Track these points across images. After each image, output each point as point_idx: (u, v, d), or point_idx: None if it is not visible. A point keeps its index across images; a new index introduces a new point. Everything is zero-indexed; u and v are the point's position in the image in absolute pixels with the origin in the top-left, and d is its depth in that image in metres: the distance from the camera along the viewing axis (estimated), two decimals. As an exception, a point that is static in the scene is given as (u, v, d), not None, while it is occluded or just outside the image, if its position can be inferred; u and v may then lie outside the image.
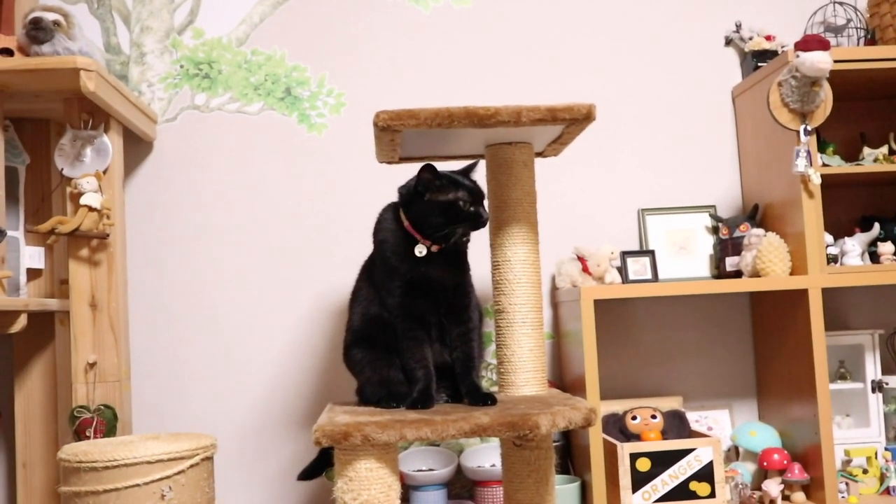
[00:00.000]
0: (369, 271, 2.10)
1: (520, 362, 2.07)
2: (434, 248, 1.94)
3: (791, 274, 2.57)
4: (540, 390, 2.07)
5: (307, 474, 2.16)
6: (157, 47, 2.85)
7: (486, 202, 1.99)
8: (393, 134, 1.93)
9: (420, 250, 1.93)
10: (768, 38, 2.86)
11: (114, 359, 2.43)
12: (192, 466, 1.93)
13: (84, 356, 2.41)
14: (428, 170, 1.92)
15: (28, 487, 2.58)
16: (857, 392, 2.71)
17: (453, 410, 1.81)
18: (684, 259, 2.85)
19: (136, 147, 2.78)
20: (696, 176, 2.93)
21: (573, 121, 1.94)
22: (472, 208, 1.93)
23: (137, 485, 1.86)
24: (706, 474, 2.43)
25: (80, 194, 2.37)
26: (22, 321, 2.24)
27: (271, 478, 2.75)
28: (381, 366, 1.99)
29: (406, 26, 2.90)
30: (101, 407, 2.36)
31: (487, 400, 1.89)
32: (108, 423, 2.34)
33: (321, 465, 2.12)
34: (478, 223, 1.95)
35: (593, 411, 1.80)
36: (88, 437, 2.31)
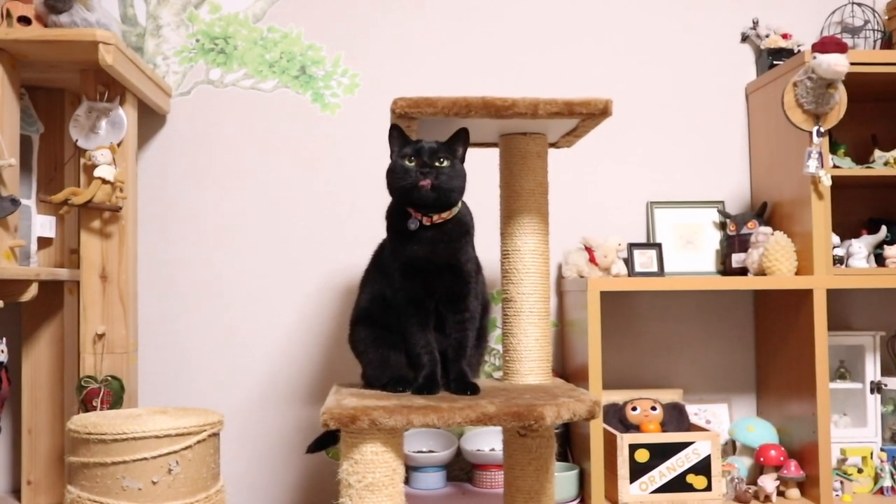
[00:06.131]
0: (380, 253, 2.11)
1: (525, 351, 2.09)
2: (426, 221, 1.89)
3: (797, 273, 2.58)
4: (544, 380, 2.10)
5: (315, 447, 2.16)
6: (174, 20, 2.85)
7: (437, 173, 1.83)
8: (409, 121, 1.94)
9: (412, 224, 1.88)
10: (785, 36, 2.86)
11: (122, 330, 2.45)
12: (199, 442, 1.95)
13: (93, 327, 2.43)
14: (393, 128, 1.91)
15: (33, 453, 2.60)
16: (856, 392, 2.74)
17: (459, 398, 1.83)
18: (691, 253, 2.86)
19: (150, 120, 2.78)
20: (705, 171, 2.94)
21: (589, 115, 1.94)
22: (411, 168, 1.84)
23: (145, 458, 1.88)
24: (703, 467, 2.46)
25: (94, 166, 2.38)
26: (33, 290, 2.26)
27: (273, 453, 2.78)
28: (383, 346, 1.98)
29: (423, 11, 2.90)
30: (109, 378, 2.38)
31: (468, 390, 1.88)
32: (115, 394, 2.37)
33: (329, 439, 2.12)
34: (408, 188, 1.84)
35: (597, 404, 1.82)
36: (95, 407, 2.33)
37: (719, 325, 2.92)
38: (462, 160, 1.92)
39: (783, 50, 2.82)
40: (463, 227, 1.95)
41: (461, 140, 1.90)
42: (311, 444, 2.15)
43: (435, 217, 1.89)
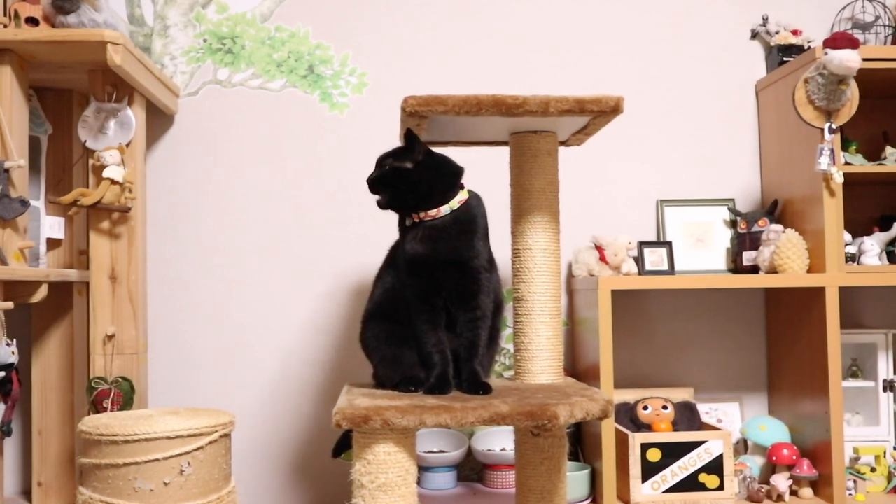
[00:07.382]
0: (395, 250, 2.09)
1: (537, 350, 2.08)
2: (415, 218, 1.91)
3: (808, 271, 2.57)
4: (556, 379, 2.08)
5: (339, 450, 2.13)
6: (181, 20, 2.84)
7: (372, 181, 1.95)
8: (420, 119, 1.93)
9: (407, 220, 1.93)
10: (795, 32, 2.85)
11: (132, 331, 2.44)
12: (210, 443, 1.95)
13: (103, 328, 2.42)
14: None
15: (43, 454, 2.60)
16: (868, 390, 2.72)
17: (472, 398, 1.82)
18: (701, 251, 2.85)
19: (158, 120, 2.78)
20: (715, 169, 2.93)
21: (600, 113, 1.93)
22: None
23: (157, 459, 1.88)
24: (715, 467, 2.45)
25: (103, 167, 2.38)
26: (42, 291, 2.25)
27: (285, 454, 2.78)
28: (395, 343, 1.97)
29: (431, 9, 2.89)
30: (119, 379, 2.38)
31: (480, 389, 1.87)
32: (125, 395, 2.37)
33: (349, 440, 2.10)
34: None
35: (610, 403, 1.81)
36: (105, 409, 2.33)
37: (730, 323, 2.91)
38: (418, 159, 1.91)
39: (793, 46, 2.81)
40: (466, 223, 1.93)
41: (408, 141, 1.92)
42: (335, 447, 2.13)
43: (422, 214, 1.90)
